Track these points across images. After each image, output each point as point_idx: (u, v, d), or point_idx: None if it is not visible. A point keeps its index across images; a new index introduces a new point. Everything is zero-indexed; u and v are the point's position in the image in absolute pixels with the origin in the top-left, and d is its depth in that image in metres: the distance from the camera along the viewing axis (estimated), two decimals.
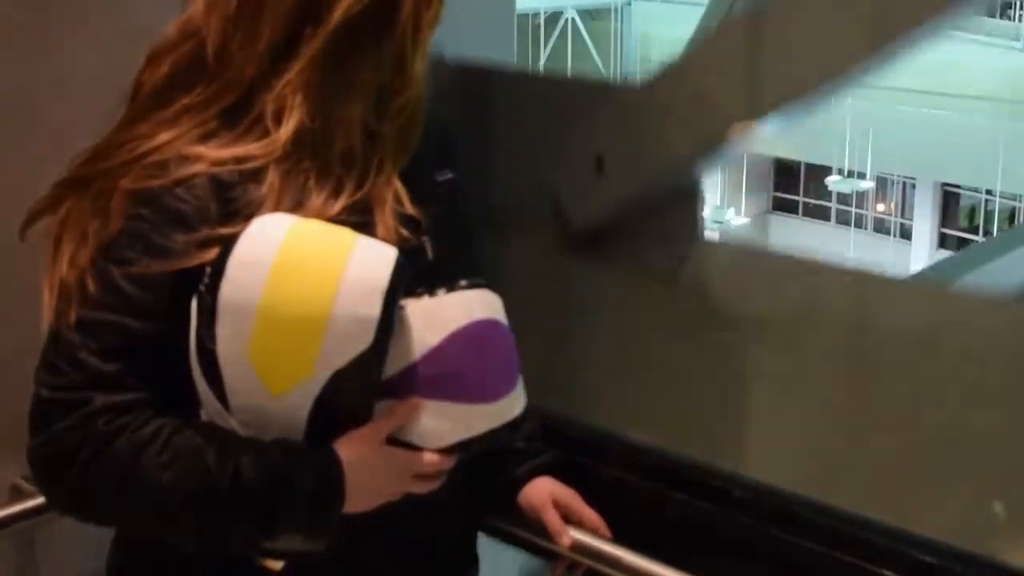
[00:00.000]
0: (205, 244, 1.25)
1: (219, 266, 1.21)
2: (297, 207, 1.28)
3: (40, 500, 1.45)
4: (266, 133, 1.29)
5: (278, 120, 1.29)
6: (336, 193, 1.30)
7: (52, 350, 1.26)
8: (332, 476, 1.25)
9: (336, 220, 1.27)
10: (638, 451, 1.67)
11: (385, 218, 1.32)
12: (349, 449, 1.26)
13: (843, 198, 21.51)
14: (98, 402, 1.23)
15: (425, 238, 1.37)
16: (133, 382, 1.25)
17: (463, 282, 1.33)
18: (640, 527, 1.55)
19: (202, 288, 1.22)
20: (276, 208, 1.27)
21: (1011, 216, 20.74)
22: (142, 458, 1.22)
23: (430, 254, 1.37)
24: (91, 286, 1.25)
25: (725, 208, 20.73)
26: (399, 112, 1.35)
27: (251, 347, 1.21)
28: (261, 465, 1.23)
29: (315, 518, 1.26)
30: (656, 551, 1.50)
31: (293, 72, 1.29)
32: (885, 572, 1.38)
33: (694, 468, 1.65)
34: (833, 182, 20.29)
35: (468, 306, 1.32)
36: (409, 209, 1.35)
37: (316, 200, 1.29)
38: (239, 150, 1.29)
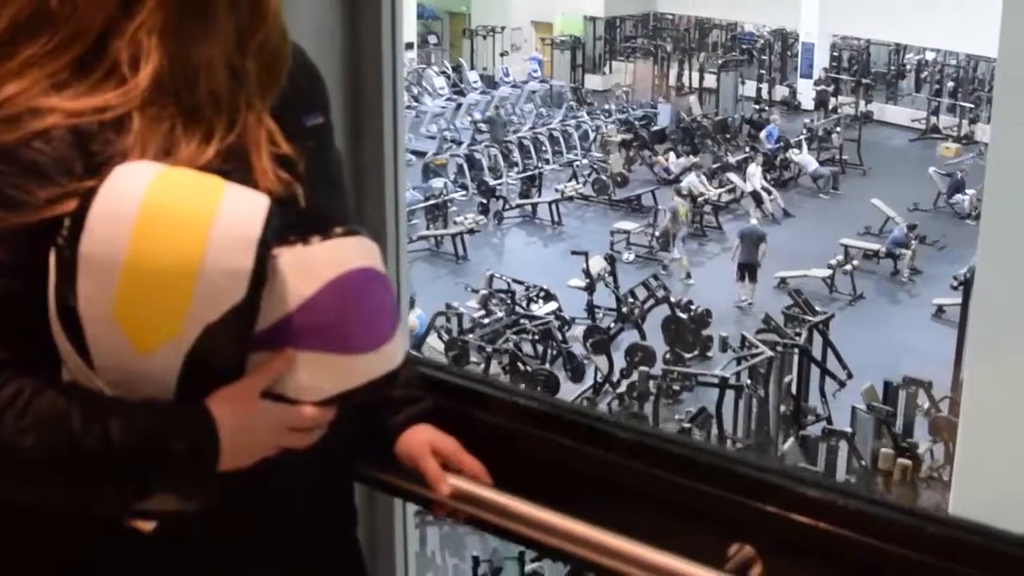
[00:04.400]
0: (66, 197, 1.18)
1: (79, 219, 1.16)
2: (166, 155, 1.23)
3: None
4: (123, 80, 1.24)
5: (135, 66, 1.24)
6: (207, 138, 1.26)
7: None
8: (206, 435, 1.22)
9: (210, 168, 1.23)
10: (517, 397, 1.66)
11: (261, 163, 1.28)
12: (223, 406, 1.23)
13: None
14: None
15: (297, 184, 1.32)
16: None
17: (338, 229, 1.29)
18: (520, 473, 1.54)
19: (60, 241, 1.17)
20: (142, 157, 1.21)
21: None
22: (1, 422, 1.16)
23: (302, 201, 1.33)
24: None
25: None
26: (260, 48, 1.31)
27: (116, 304, 1.16)
28: (130, 426, 1.19)
29: (189, 479, 1.23)
30: (537, 497, 1.49)
31: (144, 13, 1.24)
32: (769, 508, 1.39)
33: (575, 412, 1.65)
34: None
35: (343, 254, 1.28)
36: (284, 148, 1.32)
37: (186, 148, 1.24)
38: (96, 100, 1.23)
